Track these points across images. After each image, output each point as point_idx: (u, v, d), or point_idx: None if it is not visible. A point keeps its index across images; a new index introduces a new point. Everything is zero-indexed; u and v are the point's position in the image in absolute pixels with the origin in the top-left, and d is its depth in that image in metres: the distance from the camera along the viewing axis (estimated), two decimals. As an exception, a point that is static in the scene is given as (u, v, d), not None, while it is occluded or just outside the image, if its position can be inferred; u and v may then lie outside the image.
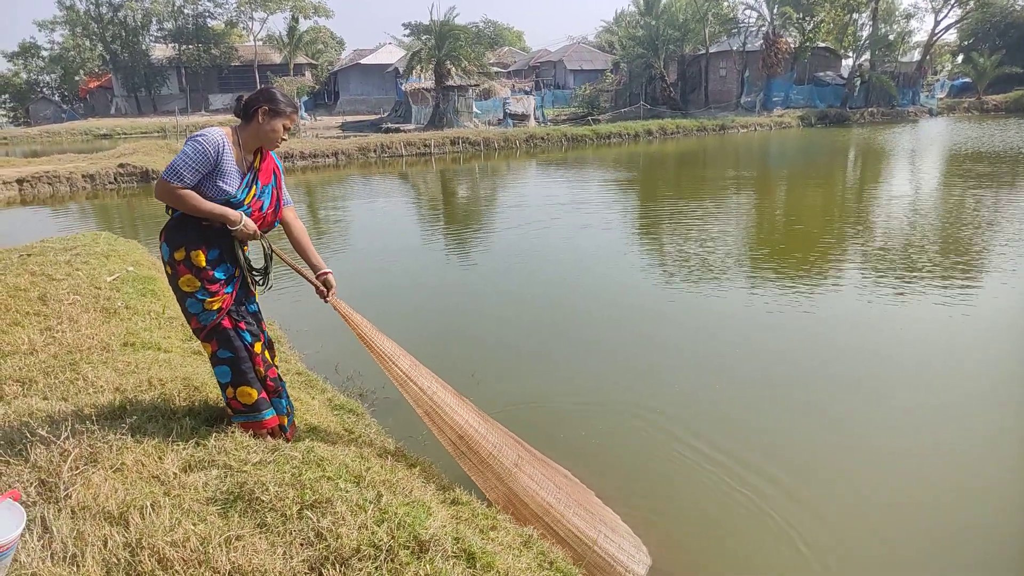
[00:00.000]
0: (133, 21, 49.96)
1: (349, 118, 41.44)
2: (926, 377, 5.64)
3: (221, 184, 2.95)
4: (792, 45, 37.48)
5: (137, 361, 4.17)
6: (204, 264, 3.02)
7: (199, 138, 2.91)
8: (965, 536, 3.77)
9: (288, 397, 3.51)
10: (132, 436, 3.03)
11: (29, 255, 7.11)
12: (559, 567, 2.83)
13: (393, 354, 3.36)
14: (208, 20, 51.84)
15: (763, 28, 37.13)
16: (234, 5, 51.23)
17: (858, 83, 38.68)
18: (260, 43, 52.16)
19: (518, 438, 3.81)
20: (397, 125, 33.71)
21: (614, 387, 5.59)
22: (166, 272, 3.13)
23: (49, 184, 18.39)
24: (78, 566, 2.26)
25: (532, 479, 3.35)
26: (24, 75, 52.44)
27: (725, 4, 38.75)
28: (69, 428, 3.05)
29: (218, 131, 2.98)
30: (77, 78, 53.87)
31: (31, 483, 2.68)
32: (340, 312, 3.32)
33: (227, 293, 3.11)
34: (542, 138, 27.64)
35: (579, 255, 10.10)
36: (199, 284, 3.03)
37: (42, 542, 2.37)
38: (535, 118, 34.01)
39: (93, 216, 15.25)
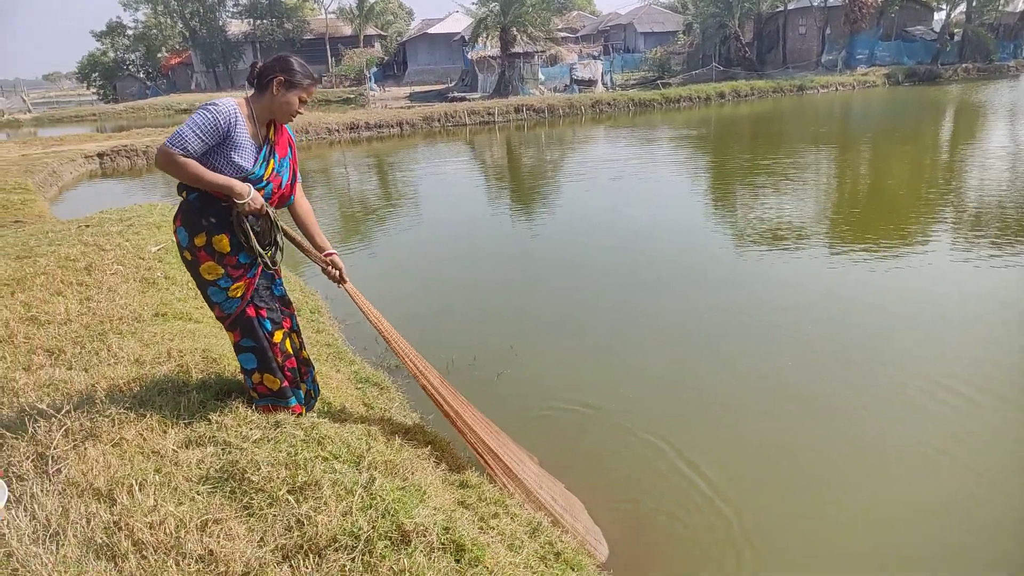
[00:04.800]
0: (210, -3, 51.20)
1: (417, 88, 41.40)
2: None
3: (236, 159, 2.76)
4: (879, -2, 35.14)
5: (163, 332, 4.16)
6: (228, 249, 2.86)
7: (210, 107, 2.71)
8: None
9: (314, 381, 3.41)
10: (137, 409, 2.99)
11: (87, 226, 7.31)
12: (566, 558, 2.63)
13: (395, 336, 3.39)
14: (281, -6, 52.56)
15: (847, -19, 34.88)
16: (306, -22, 51.81)
17: (951, 37, 35.97)
18: (332, 16, 52.57)
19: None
20: (463, 94, 33.49)
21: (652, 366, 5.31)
22: (184, 258, 2.94)
23: (127, 157, 19.11)
24: (58, 544, 2.19)
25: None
26: (111, 54, 54.48)
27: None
28: (76, 401, 3.03)
29: (231, 102, 2.77)
30: (159, 55, 55.69)
31: (28, 457, 2.66)
32: (351, 295, 3.21)
33: (250, 277, 2.95)
34: (608, 104, 26.91)
35: (641, 222, 9.72)
36: (222, 271, 2.88)
37: (29, 516, 2.33)
38: (603, 83, 33.16)
39: (163, 186, 15.72)
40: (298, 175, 3.13)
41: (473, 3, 35.08)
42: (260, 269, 3.00)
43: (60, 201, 13.91)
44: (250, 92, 2.92)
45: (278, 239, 3.06)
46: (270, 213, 2.95)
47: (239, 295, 2.94)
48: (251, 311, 2.99)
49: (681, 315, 6.23)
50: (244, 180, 2.80)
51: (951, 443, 4.02)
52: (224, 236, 2.85)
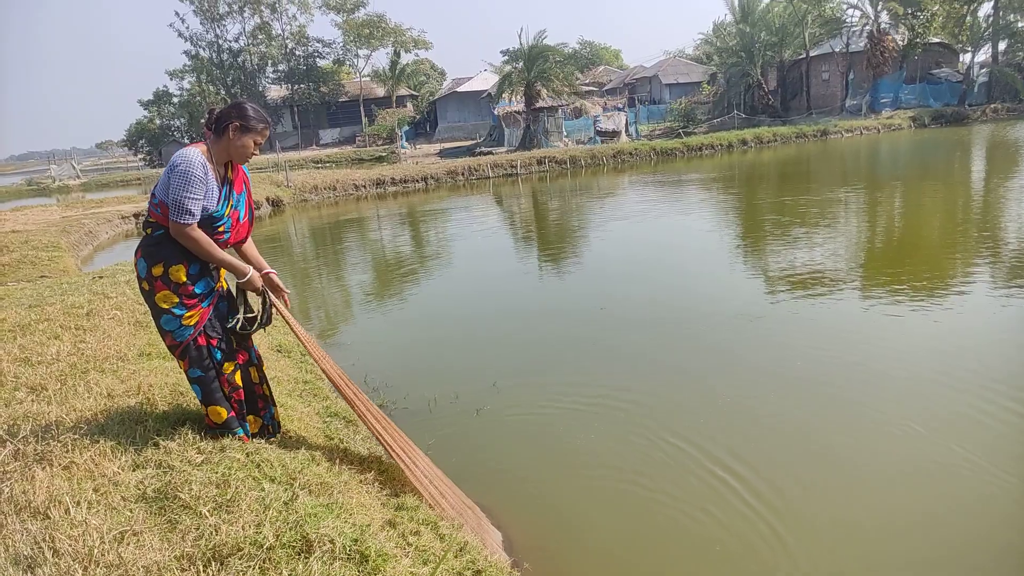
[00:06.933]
0: (251, 65, 53.66)
1: (447, 145, 42.42)
2: None
3: (204, 201, 2.98)
4: (900, 42, 35.22)
5: (141, 370, 4.34)
6: (184, 279, 3.04)
7: (182, 164, 2.91)
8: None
9: (274, 418, 3.55)
10: (94, 437, 3.14)
11: (101, 277, 7.67)
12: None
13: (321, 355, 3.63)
14: (318, 60, 54.83)
15: (867, 27, 35.12)
16: (341, 44, 53.99)
17: (978, 79, 35.75)
18: (366, 78, 54.56)
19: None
20: (489, 149, 34.19)
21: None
22: (142, 288, 3.13)
23: (162, 217, 19.89)
24: (-12, 556, 2.33)
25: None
26: (158, 120, 57.14)
27: (827, 6, 36.95)
28: (39, 429, 3.20)
29: (196, 151, 2.98)
30: (203, 121, 58.14)
31: (-21, 478, 2.81)
32: (284, 316, 3.35)
33: (204, 307, 3.12)
34: (630, 153, 27.27)
35: (650, 266, 9.81)
36: (176, 299, 3.04)
37: (-33, 532, 2.47)
38: (627, 134, 33.62)
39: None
40: (253, 210, 3.34)
41: (505, 62, 36.24)
42: (214, 301, 3.17)
43: (92, 261, 14.49)
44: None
45: (269, 318, 3.34)
46: (267, 295, 3.29)
47: (192, 323, 3.10)
48: (202, 340, 3.15)
49: (680, 360, 6.17)
50: (209, 219, 3.02)
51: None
52: (181, 266, 3.04)
